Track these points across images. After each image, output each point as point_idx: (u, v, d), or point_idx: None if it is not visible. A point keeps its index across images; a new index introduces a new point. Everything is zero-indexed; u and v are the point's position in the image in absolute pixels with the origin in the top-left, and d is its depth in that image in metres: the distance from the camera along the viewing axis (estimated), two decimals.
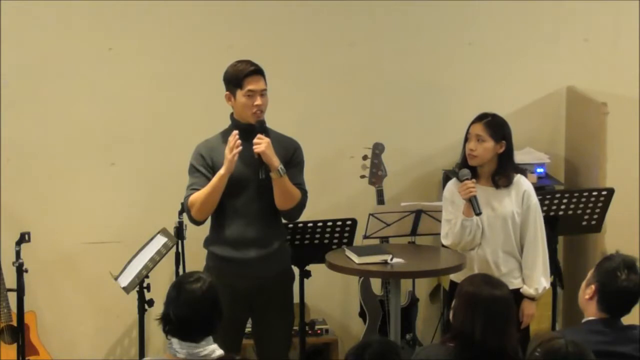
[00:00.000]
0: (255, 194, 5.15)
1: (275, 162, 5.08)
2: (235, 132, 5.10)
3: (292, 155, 5.25)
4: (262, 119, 5.17)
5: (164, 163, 6.37)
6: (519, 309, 5.22)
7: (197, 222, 5.24)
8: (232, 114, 5.23)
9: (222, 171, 5.09)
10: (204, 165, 5.19)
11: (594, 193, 5.97)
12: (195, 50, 6.39)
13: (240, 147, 5.05)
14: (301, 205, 5.24)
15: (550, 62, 6.67)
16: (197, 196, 5.15)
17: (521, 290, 5.29)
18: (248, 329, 5.41)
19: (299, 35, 6.48)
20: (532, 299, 5.31)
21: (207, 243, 5.30)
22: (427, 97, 6.60)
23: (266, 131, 5.16)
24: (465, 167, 5.31)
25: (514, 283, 5.26)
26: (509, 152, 5.33)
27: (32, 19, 6.24)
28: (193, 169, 5.23)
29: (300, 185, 5.23)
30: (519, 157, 6.24)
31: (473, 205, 5.19)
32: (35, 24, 6.25)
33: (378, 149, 6.23)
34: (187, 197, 5.20)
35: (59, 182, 6.34)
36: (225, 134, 5.23)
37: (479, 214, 5.19)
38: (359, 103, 6.57)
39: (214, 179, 5.11)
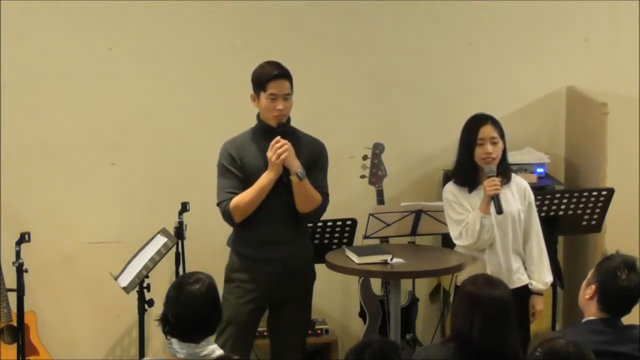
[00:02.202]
0: (278, 194, 5.14)
1: (295, 165, 5.08)
2: (278, 137, 5.07)
3: (317, 157, 5.25)
4: (284, 121, 5.16)
5: (164, 163, 6.37)
6: (527, 305, 5.24)
7: (236, 225, 5.22)
8: (258, 114, 5.23)
9: (271, 175, 5.08)
10: (234, 166, 5.17)
11: (594, 193, 5.97)
12: (196, 50, 6.39)
13: (286, 153, 5.04)
14: (321, 209, 5.25)
15: (550, 62, 6.67)
16: (240, 201, 5.11)
17: (531, 286, 5.30)
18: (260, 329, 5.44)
19: (299, 35, 6.48)
20: (540, 294, 5.32)
21: (231, 242, 5.30)
22: (427, 97, 6.60)
23: (290, 133, 5.15)
24: (467, 171, 5.28)
25: (521, 279, 5.29)
26: (505, 150, 5.35)
27: (32, 19, 6.23)
28: (224, 170, 5.19)
29: (321, 188, 5.23)
30: (519, 157, 6.26)
31: (495, 202, 5.16)
32: (35, 24, 6.25)
33: (378, 149, 6.23)
34: (226, 201, 5.14)
35: (59, 182, 6.34)
36: (254, 133, 5.22)
37: (500, 212, 5.17)
38: (359, 103, 6.57)
39: (261, 183, 5.09)
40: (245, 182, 5.15)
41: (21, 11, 6.20)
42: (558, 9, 6.65)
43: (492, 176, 5.22)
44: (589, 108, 6.40)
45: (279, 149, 5.05)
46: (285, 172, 5.10)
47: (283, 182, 5.11)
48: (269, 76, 5.14)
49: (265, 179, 5.09)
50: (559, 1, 6.64)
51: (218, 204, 5.20)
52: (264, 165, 5.11)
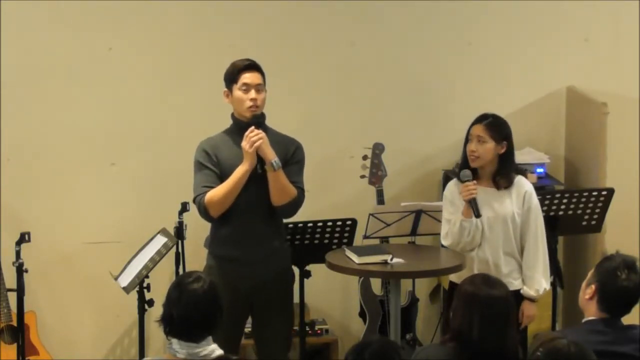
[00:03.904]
0: (255, 191, 5.13)
1: (270, 155, 5.07)
2: (252, 127, 5.08)
3: (292, 154, 5.23)
4: (258, 114, 5.17)
5: (163, 163, 6.37)
6: (518, 310, 5.22)
7: (213, 220, 5.22)
8: (232, 113, 5.24)
9: (245, 166, 5.07)
10: (210, 162, 5.17)
11: (594, 193, 5.97)
12: (196, 50, 6.39)
13: (261, 140, 5.04)
14: (296, 203, 5.21)
15: (550, 62, 6.68)
16: (215, 194, 5.11)
17: (522, 291, 5.29)
18: (248, 329, 5.42)
19: (300, 34, 6.48)
20: (532, 300, 5.31)
21: (208, 242, 5.29)
22: (427, 97, 6.60)
23: (262, 127, 5.15)
24: (465, 168, 5.31)
25: (514, 284, 5.25)
26: (509, 153, 5.33)
27: (32, 19, 6.24)
28: (200, 166, 5.19)
29: (296, 183, 5.21)
30: (519, 157, 6.25)
31: (472, 207, 5.19)
32: (35, 24, 6.25)
33: (378, 149, 6.23)
34: (200, 195, 5.14)
35: (59, 182, 6.34)
36: (228, 133, 5.23)
37: (478, 216, 5.19)
38: (359, 103, 6.57)
39: (236, 175, 5.08)
40: (222, 178, 5.15)
41: (21, 11, 6.20)
42: (558, 9, 6.65)
43: (467, 181, 5.23)
44: (589, 108, 6.40)
45: (253, 137, 5.04)
46: (260, 162, 5.09)
47: (258, 173, 5.10)
48: (240, 67, 5.17)
49: (240, 171, 5.08)
50: (559, 1, 6.64)
51: (194, 200, 5.20)
52: (240, 160, 5.10)
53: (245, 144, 5.06)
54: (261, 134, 5.07)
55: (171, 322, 3.96)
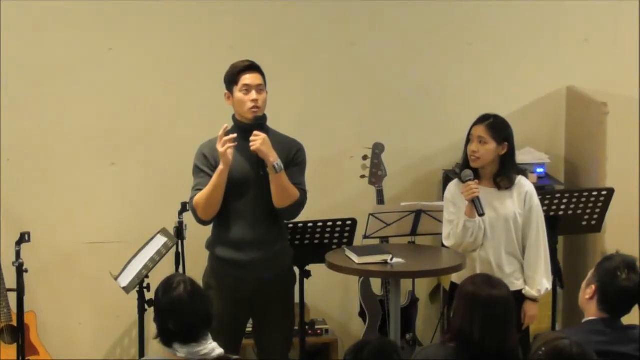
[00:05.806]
0: (257, 194, 5.14)
1: (272, 158, 5.06)
2: (225, 125, 5.08)
3: (293, 155, 5.23)
4: (260, 115, 5.17)
5: (164, 163, 6.37)
6: (520, 310, 5.23)
7: (204, 222, 5.22)
8: (233, 115, 5.23)
9: (220, 166, 5.07)
10: (207, 166, 5.18)
11: (594, 193, 5.97)
12: (196, 50, 6.39)
13: (235, 143, 5.04)
14: (299, 205, 5.21)
15: (550, 62, 6.68)
16: (200, 196, 5.14)
17: (523, 291, 5.29)
18: (248, 329, 5.42)
19: (300, 35, 6.48)
20: (534, 300, 5.31)
21: (209, 244, 5.30)
22: (427, 97, 6.60)
23: (264, 129, 5.15)
24: (466, 168, 5.31)
25: (516, 284, 5.25)
26: (511, 154, 5.33)
27: (32, 19, 6.24)
28: (197, 170, 5.22)
29: (299, 185, 5.21)
30: (519, 157, 6.25)
31: (476, 206, 5.19)
32: (35, 24, 6.25)
33: (378, 149, 6.23)
34: (191, 198, 5.19)
35: (59, 182, 6.34)
36: (228, 134, 5.23)
37: (482, 214, 5.19)
38: (359, 103, 6.57)
39: (214, 176, 5.10)
40: None
41: (21, 11, 6.20)
42: (558, 9, 6.65)
43: (468, 181, 5.23)
44: (589, 108, 6.40)
45: (226, 138, 5.02)
46: (262, 165, 5.09)
47: (260, 176, 5.10)
48: (240, 69, 5.17)
49: (216, 172, 5.09)
50: (559, 1, 6.64)
51: (188, 203, 5.26)
52: (240, 162, 5.11)
53: (218, 144, 5.06)
54: (262, 136, 5.06)
55: (170, 333, 3.95)
